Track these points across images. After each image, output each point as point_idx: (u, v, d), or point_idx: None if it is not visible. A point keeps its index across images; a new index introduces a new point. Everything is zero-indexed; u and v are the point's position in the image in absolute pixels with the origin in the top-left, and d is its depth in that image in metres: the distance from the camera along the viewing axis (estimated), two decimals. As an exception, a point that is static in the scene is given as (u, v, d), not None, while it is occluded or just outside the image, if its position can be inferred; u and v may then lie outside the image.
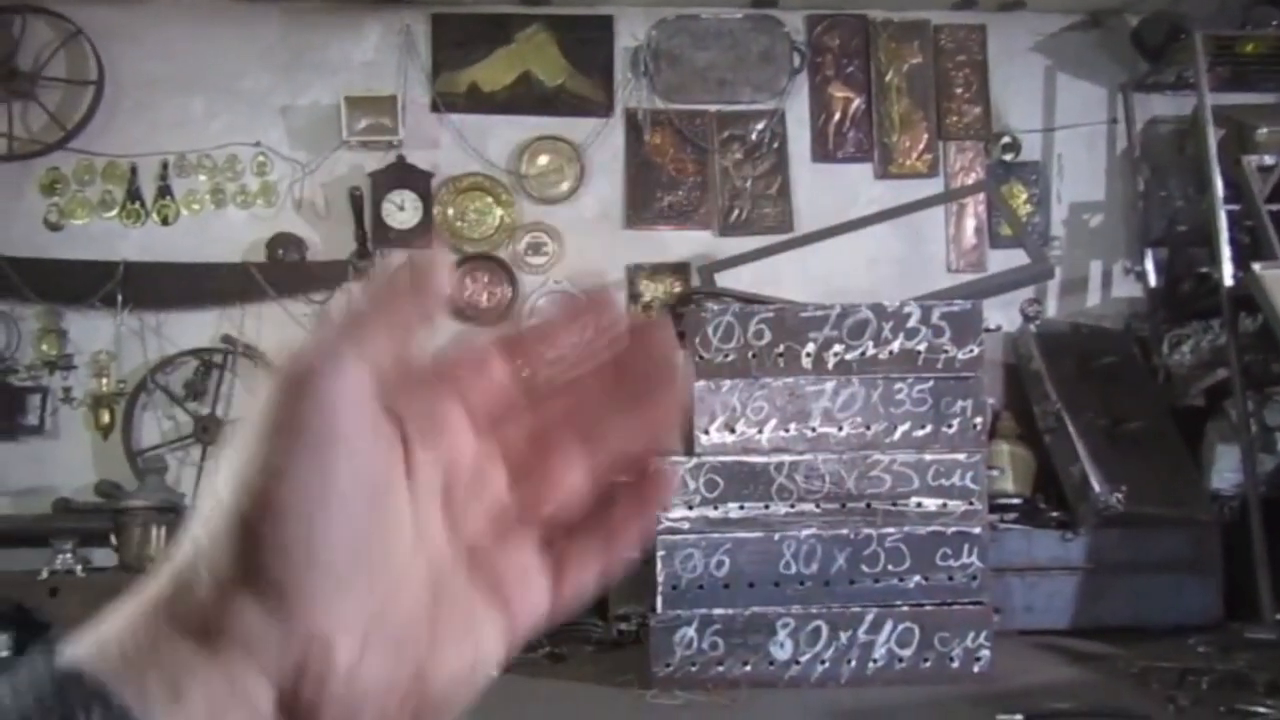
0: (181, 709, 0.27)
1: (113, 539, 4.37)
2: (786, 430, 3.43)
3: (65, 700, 0.26)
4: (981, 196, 5.08)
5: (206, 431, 4.91)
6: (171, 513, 4.43)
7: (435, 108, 5.02)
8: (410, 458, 0.32)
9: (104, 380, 4.93)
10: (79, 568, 4.34)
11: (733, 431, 3.42)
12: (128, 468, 4.87)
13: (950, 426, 3.46)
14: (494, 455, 0.35)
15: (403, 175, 4.93)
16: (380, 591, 0.30)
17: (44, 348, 4.93)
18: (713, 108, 5.05)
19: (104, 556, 4.49)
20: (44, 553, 4.37)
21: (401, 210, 4.92)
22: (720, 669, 3.27)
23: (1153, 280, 4.91)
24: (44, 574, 4.26)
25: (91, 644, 0.28)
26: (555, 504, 0.36)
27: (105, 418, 4.92)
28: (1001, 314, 4.71)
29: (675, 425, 0.36)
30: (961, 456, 3.42)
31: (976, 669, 3.30)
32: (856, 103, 5.09)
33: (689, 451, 3.43)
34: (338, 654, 0.29)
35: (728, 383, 3.44)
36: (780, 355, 3.46)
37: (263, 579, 0.28)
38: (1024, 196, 5.12)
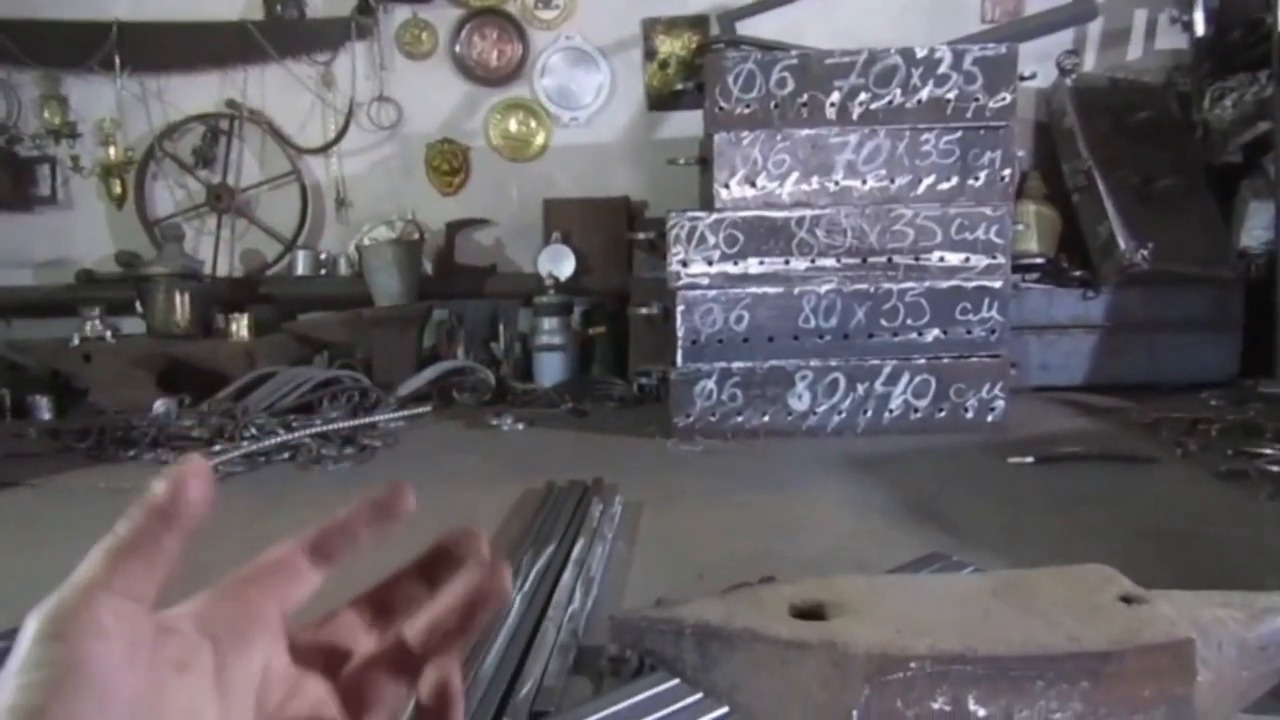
0: None
1: (137, 306, 4.44)
2: (809, 184, 3.34)
3: None
4: (1023, -63, 4.70)
5: (219, 199, 4.87)
6: (192, 279, 4.46)
7: None
8: (222, 667, 0.37)
9: (111, 149, 4.84)
10: (108, 334, 4.42)
11: (753, 186, 3.34)
12: (145, 237, 4.88)
13: (977, 179, 3.36)
14: (313, 651, 0.43)
15: (401, -80, 4.61)
16: None
17: (46, 115, 4.82)
18: None
19: (131, 324, 4.57)
20: (73, 322, 4.45)
21: (404, -41, 4.64)
22: (739, 419, 3.35)
23: (1200, 29, 4.61)
24: (75, 341, 4.35)
25: None
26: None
27: (117, 187, 4.88)
28: (1037, 68, 4.48)
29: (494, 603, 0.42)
30: (987, 210, 3.34)
31: (990, 419, 3.36)
32: None
33: (709, 206, 3.36)
34: None
35: (748, 135, 3.32)
36: (804, 105, 3.31)
37: None
38: (1069, -65, 4.72)
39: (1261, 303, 4.00)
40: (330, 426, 3.40)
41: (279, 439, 3.26)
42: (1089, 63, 4.80)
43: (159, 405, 3.85)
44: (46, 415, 4.29)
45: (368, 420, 3.55)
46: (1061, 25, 4.25)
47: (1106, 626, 0.97)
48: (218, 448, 3.25)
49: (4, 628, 1.69)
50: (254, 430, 3.42)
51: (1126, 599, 1.06)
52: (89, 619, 0.33)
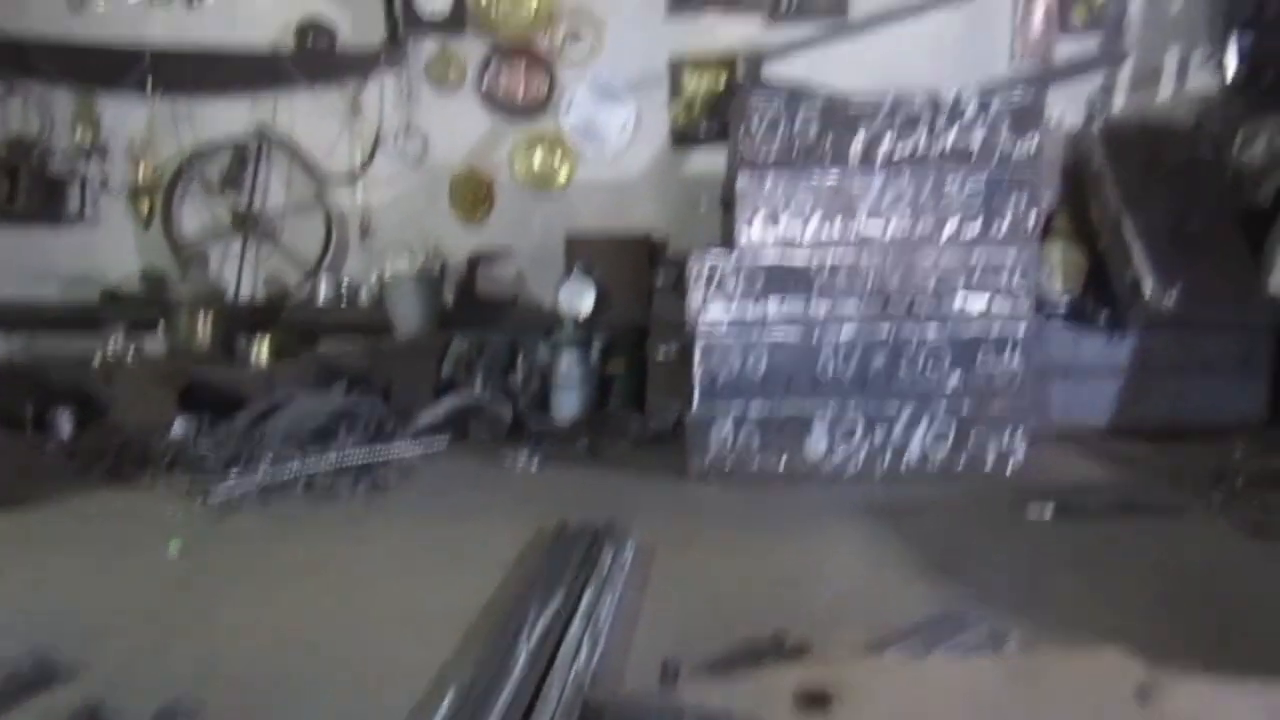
0: None
1: (160, 326, 4.47)
2: (831, 226, 3.32)
3: None
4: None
5: (245, 223, 4.91)
6: (215, 301, 4.50)
7: (468, -120, 4.67)
8: None
9: (141, 168, 4.90)
10: (130, 352, 4.46)
11: (775, 227, 3.32)
12: (170, 257, 4.92)
13: (1001, 223, 3.33)
14: None
15: (433, -48, 4.65)
16: None
17: (79, 133, 4.89)
18: (764, -124, 4.64)
19: (154, 343, 4.60)
20: (96, 338, 4.48)
21: (434, -7, 4.67)
22: (756, 462, 3.33)
23: (1232, 70, 4.59)
24: (98, 358, 4.38)
25: None
26: None
27: (145, 207, 4.94)
28: (1067, 106, 4.47)
29: None
30: (1010, 255, 3.31)
31: (1011, 466, 3.31)
32: None
33: (730, 246, 3.35)
34: None
35: (772, 176, 3.31)
36: (828, 148, 3.31)
37: None
38: (1103, -25, 4.72)
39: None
40: (344, 460, 3.40)
41: (294, 467, 3.27)
42: (1118, 103, 4.76)
43: (177, 427, 3.87)
44: (68, 430, 4.31)
45: (382, 454, 3.54)
46: (1091, 70, 4.22)
47: (1119, 732, 0.95)
48: (233, 474, 3.25)
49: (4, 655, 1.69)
50: (270, 456, 3.41)
51: (1144, 690, 1.03)
52: None
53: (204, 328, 4.44)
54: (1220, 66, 4.63)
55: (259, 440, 3.59)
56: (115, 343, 4.45)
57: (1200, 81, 4.76)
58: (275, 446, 3.52)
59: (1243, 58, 4.55)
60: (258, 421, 3.86)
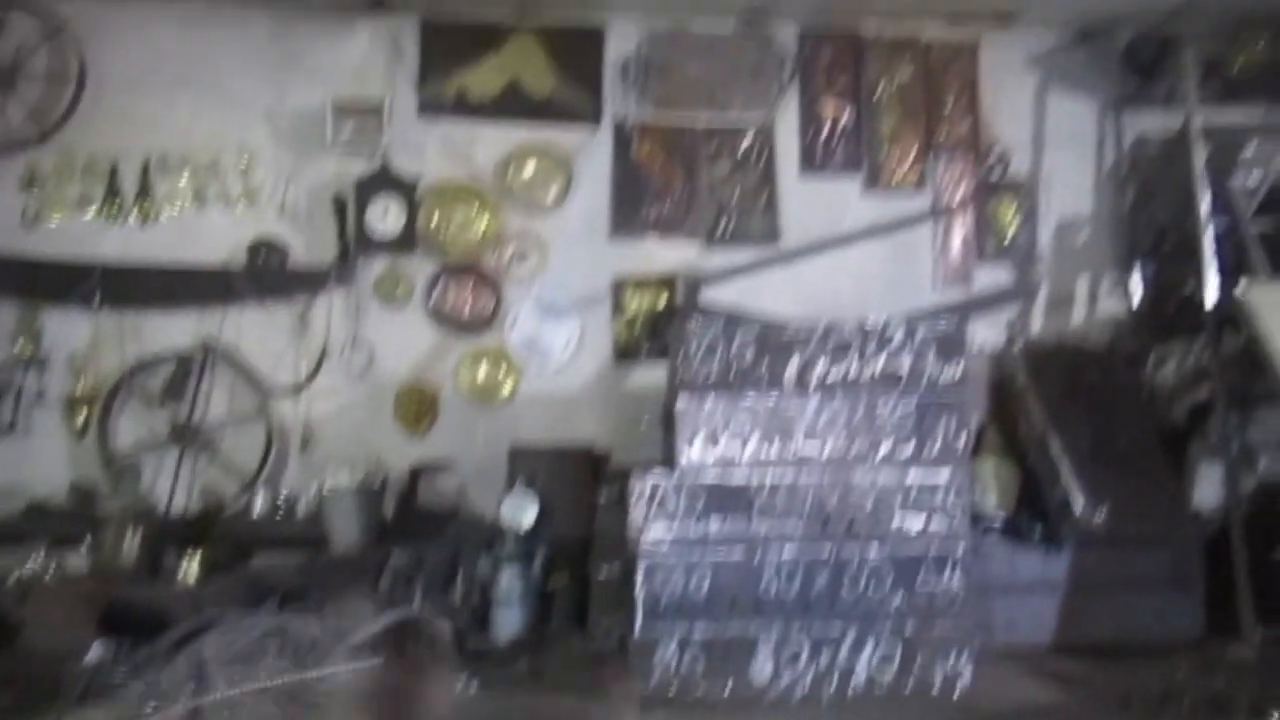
0: None
1: (85, 542, 4.32)
2: (769, 447, 3.40)
3: None
4: (970, 211, 5.08)
5: (183, 436, 4.85)
6: (145, 516, 4.38)
7: (422, 114, 4.98)
8: None
9: (80, 380, 4.86)
10: (51, 569, 4.28)
11: (715, 446, 3.39)
12: (102, 469, 4.81)
13: (934, 444, 3.44)
14: None
15: (387, 182, 4.88)
16: None
17: (20, 345, 4.86)
18: (702, 119, 5.03)
19: (77, 559, 4.42)
20: (16, 552, 4.30)
21: (385, 216, 4.86)
22: (701, 688, 3.25)
23: (1138, 298, 4.93)
24: (14, 577, 4.19)
25: None
26: None
27: (80, 419, 4.86)
28: (988, 328, 4.73)
29: None
30: (944, 476, 3.41)
31: (958, 689, 3.28)
32: (846, 116, 5.08)
33: (671, 465, 3.40)
34: None
35: (711, 397, 3.41)
36: (764, 372, 3.43)
37: None
38: (1012, 211, 5.12)
39: (1221, 561, 4.01)
40: (273, 685, 3.24)
41: (218, 696, 3.10)
42: (1037, 325, 5.05)
43: (94, 651, 3.68)
44: (-27, 656, 4.06)
45: (313, 676, 3.38)
46: (1008, 300, 4.51)
47: None
48: (150, 707, 3.07)
49: None
50: (192, 684, 3.24)
51: None
52: None
53: (131, 543, 4.30)
54: (1127, 293, 4.97)
55: (181, 666, 3.42)
56: (35, 559, 4.28)
57: (1110, 306, 5.10)
58: (199, 672, 3.35)
59: (1146, 285, 4.91)
60: (181, 644, 3.68)
